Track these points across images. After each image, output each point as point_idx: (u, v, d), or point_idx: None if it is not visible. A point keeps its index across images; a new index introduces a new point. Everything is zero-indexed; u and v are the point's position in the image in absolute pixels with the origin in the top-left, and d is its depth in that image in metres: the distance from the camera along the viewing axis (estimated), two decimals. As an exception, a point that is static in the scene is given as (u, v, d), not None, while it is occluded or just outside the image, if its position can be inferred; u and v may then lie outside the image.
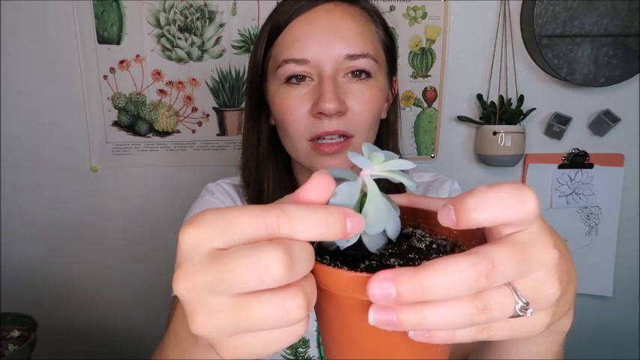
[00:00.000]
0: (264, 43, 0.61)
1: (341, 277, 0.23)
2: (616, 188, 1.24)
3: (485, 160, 1.19)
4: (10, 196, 1.14)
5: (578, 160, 1.22)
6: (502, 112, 1.15)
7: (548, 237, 0.24)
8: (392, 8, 1.13)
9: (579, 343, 1.25)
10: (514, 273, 0.22)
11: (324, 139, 0.59)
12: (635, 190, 1.26)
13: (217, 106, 1.16)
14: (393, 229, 0.28)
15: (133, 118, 1.14)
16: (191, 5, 1.09)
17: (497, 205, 0.22)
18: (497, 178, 1.24)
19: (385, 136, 0.69)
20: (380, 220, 0.26)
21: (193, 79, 1.13)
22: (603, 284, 1.29)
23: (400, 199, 0.32)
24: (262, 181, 0.67)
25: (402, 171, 0.27)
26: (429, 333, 0.23)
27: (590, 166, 1.23)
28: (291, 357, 0.67)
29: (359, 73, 0.58)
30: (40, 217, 1.17)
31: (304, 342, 0.66)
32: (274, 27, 0.60)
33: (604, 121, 1.19)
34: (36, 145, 1.13)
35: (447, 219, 0.23)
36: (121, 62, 1.11)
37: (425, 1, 1.13)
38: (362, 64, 0.58)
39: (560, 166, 1.23)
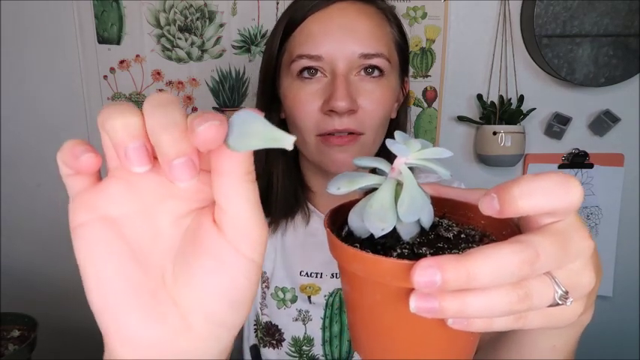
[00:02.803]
0: (280, 37, 0.62)
1: (381, 264, 0.23)
2: (616, 188, 1.24)
3: (485, 160, 1.19)
4: (10, 195, 1.14)
5: (578, 160, 1.22)
6: (502, 112, 1.15)
7: (584, 228, 0.24)
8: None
9: (579, 342, 1.25)
10: (555, 262, 0.23)
11: (332, 134, 0.59)
12: (635, 190, 1.26)
13: (217, 106, 1.16)
14: (427, 217, 0.27)
15: (133, 118, 1.14)
16: (191, 5, 1.09)
17: (544, 193, 0.22)
18: (497, 178, 1.24)
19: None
20: (415, 209, 0.26)
21: (193, 79, 1.13)
22: (603, 284, 1.29)
23: (426, 189, 0.32)
24: (271, 173, 0.67)
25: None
26: (467, 321, 0.23)
27: (590, 166, 1.23)
28: (295, 355, 0.67)
29: (372, 70, 0.59)
30: (40, 216, 1.17)
31: (309, 340, 0.67)
32: (290, 22, 0.60)
33: (604, 121, 1.19)
34: (36, 144, 1.13)
35: (489, 207, 0.23)
36: (121, 62, 1.11)
37: (425, 1, 1.13)
38: (375, 62, 0.58)
39: (560, 166, 1.23)
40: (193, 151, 0.21)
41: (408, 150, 0.27)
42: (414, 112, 1.20)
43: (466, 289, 0.22)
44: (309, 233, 0.69)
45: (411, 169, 0.27)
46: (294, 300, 0.67)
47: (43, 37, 1.08)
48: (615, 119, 1.19)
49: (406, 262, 0.22)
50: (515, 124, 1.14)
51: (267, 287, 0.68)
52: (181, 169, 0.20)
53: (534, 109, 1.17)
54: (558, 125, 1.19)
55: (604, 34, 1.10)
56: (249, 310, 0.26)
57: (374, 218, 0.26)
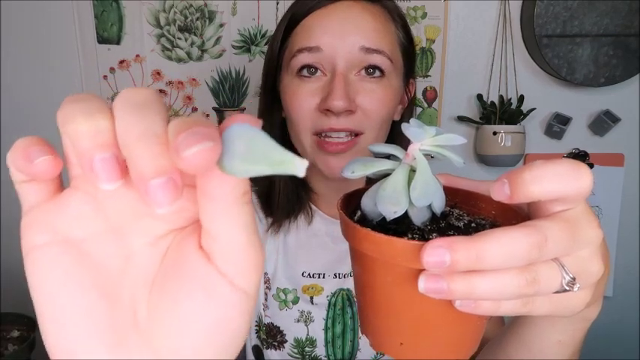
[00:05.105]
0: (282, 33, 0.61)
1: (392, 244, 0.23)
2: (616, 188, 1.24)
3: (485, 160, 1.19)
4: (10, 196, 1.14)
5: (578, 160, 1.22)
6: (502, 112, 1.15)
7: (593, 217, 0.24)
8: (392, 8, 1.13)
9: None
10: (563, 248, 0.23)
11: (330, 136, 0.58)
12: (635, 190, 1.26)
13: (217, 106, 1.16)
14: (438, 203, 0.28)
15: (133, 118, 1.14)
16: (191, 5, 1.09)
17: (554, 178, 0.22)
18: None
19: (399, 139, 0.68)
20: (427, 194, 0.26)
21: (193, 79, 1.13)
22: (603, 284, 1.29)
23: (439, 178, 0.32)
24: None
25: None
26: (475, 303, 0.23)
27: (591, 166, 1.23)
28: (298, 356, 0.67)
29: (372, 71, 0.58)
30: (40, 217, 1.17)
31: (311, 342, 0.66)
32: (292, 19, 0.60)
33: (604, 121, 1.19)
34: (36, 145, 1.13)
35: (500, 192, 0.23)
36: (121, 62, 1.11)
37: (425, 1, 1.13)
38: (376, 60, 0.57)
39: (560, 166, 1.23)
40: (175, 169, 0.16)
41: (423, 134, 0.27)
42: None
43: (475, 271, 0.22)
44: (311, 234, 0.69)
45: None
46: (295, 301, 0.67)
47: (43, 37, 1.08)
48: (615, 119, 1.19)
49: (416, 242, 0.22)
50: (515, 124, 1.14)
51: (269, 289, 0.67)
52: (160, 191, 0.16)
53: (534, 109, 1.17)
54: (558, 125, 1.19)
55: (604, 34, 1.10)
56: (240, 349, 0.22)
57: (386, 201, 0.26)
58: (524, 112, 1.15)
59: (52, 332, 0.19)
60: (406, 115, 0.69)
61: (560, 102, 1.20)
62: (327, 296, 0.67)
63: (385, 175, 0.28)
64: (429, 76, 1.18)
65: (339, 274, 0.67)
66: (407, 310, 0.26)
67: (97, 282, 0.20)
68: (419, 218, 0.28)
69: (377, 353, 0.67)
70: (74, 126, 0.17)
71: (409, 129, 0.27)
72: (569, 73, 1.12)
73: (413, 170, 0.27)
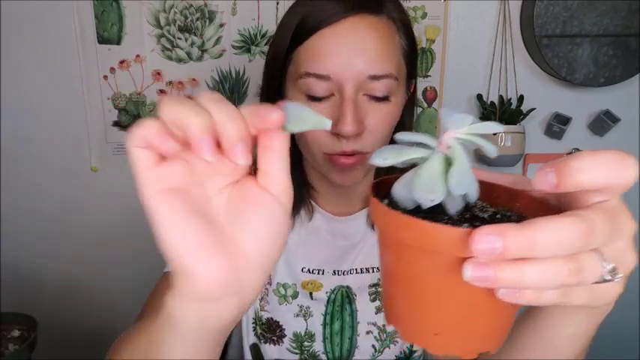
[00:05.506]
0: (287, 44, 0.60)
1: (439, 232, 0.23)
2: (616, 188, 1.24)
3: (485, 160, 1.19)
4: (10, 195, 1.15)
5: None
6: (502, 112, 1.15)
7: (627, 209, 0.25)
8: (392, 8, 1.13)
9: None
10: (606, 238, 0.23)
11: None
12: (636, 190, 1.25)
13: (217, 106, 1.16)
14: (473, 192, 0.27)
15: (134, 118, 1.14)
16: (191, 5, 1.09)
17: (602, 168, 0.23)
18: (497, 178, 1.24)
19: None
20: (464, 183, 0.26)
21: (193, 79, 1.14)
22: (603, 284, 1.29)
23: None
24: None
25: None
26: (519, 292, 0.23)
27: (590, 166, 1.23)
28: (296, 351, 0.67)
29: (380, 95, 0.59)
30: (40, 217, 1.17)
31: (310, 336, 0.67)
32: (299, 31, 0.59)
33: (604, 121, 1.19)
34: (36, 145, 1.13)
35: (544, 182, 0.23)
36: (121, 62, 1.11)
37: (425, 1, 1.13)
38: (383, 87, 0.57)
39: (560, 166, 1.23)
40: (249, 137, 0.27)
41: (463, 122, 0.26)
42: (414, 112, 1.20)
43: (522, 259, 0.21)
44: (311, 230, 0.69)
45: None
46: (295, 296, 0.67)
47: (43, 37, 1.08)
48: (615, 119, 1.19)
49: (465, 229, 0.22)
50: (515, 124, 1.14)
51: (270, 284, 0.68)
52: (242, 150, 0.26)
53: (534, 109, 1.17)
54: (558, 125, 1.19)
55: (604, 34, 1.10)
56: (281, 253, 0.32)
57: (423, 189, 0.25)
58: (524, 112, 1.16)
59: (178, 242, 0.28)
60: (406, 113, 0.69)
61: (560, 102, 1.20)
62: (327, 292, 0.67)
63: (413, 164, 0.28)
64: (429, 76, 1.18)
65: (338, 271, 0.68)
66: (445, 299, 0.25)
67: (197, 212, 0.29)
68: (453, 207, 0.27)
69: (375, 352, 0.68)
70: (191, 120, 0.26)
71: (450, 116, 0.26)
72: (569, 73, 1.12)
73: (447, 158, 0.26)
